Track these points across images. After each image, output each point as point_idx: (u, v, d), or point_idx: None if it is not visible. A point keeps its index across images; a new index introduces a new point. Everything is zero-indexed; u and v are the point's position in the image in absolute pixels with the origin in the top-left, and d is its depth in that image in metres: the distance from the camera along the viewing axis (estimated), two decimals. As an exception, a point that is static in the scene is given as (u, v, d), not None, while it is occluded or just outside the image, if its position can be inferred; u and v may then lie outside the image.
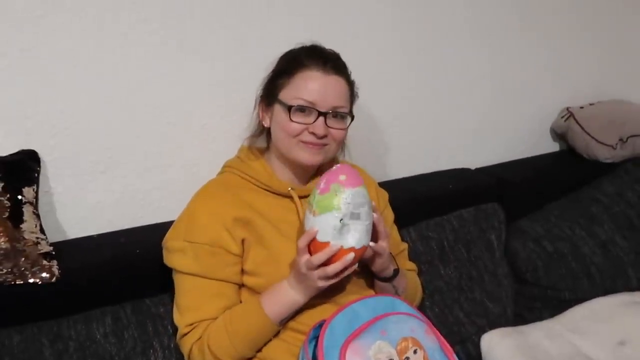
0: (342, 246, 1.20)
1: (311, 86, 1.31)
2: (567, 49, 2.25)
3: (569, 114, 2.23)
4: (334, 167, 1.25)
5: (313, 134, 1.31)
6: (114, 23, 1.42)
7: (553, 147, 2.36)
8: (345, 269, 1.22)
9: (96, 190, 1.50)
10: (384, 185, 1.60)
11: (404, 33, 1.86)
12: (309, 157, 1.34)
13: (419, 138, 2.00)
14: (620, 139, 2.15)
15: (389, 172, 1.91)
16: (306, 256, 1.21)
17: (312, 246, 1.22)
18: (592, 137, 2.16)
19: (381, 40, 1.83)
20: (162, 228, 1.43)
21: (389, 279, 1.36)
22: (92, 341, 1.32)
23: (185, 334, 1.28)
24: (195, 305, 1.28)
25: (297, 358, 1.27)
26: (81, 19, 1.39)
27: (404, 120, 1.95)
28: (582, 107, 2.25)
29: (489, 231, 1.85)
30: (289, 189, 1.38)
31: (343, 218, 1.19)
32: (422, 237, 1.76)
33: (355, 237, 1.21)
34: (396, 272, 1.36)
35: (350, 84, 1.39)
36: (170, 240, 1.32)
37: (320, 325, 1.24)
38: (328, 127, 1.32)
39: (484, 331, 1.72)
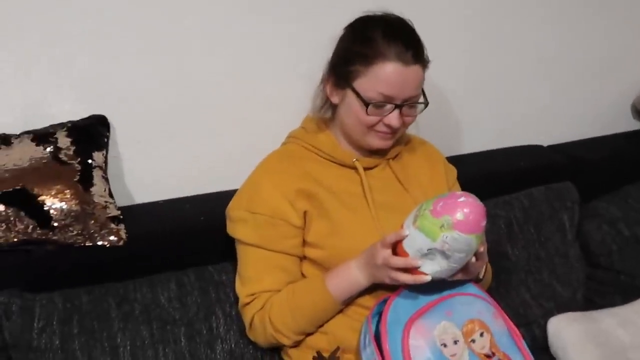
0: (419, 267, 1.17)
1: (391, 80, 1.26)
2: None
3: (652, 90, 2.14)
4: (460, 198, 1.15)
5: (388, 125, 1.30)
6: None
7: (633, 125, 2.27)
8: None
9: (162, 157, 1.53)
10: (453, 160, 1.58)
11: (478, 6, 1.82)
12: (380, 143, 1.34)
13: (490, 113, 1.97)
14: None
15: (458, 147, 1.89)
16: (388, 251, 1.19)
17: (395, 243, 1.20)
18: (677, 116, 2.07)
19: (454, 13, 1.79)
20: (225, 196, 1.45)
21: (480, 280, 1.35)
22: (156, 305, 1.36)
23: (247, 304, 1.30)
24: (256, 276, 1.30)
25: (359, 333, 1.27)
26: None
27: (475, 94, 1.92)
28: (667, 83, 2.15)
29: (561, 211, 1.81)
30: (354, 160, 1.38)
31: (432, 249, 1.14)
32: (490, 215, 1.62)
33: (433, 269, 1.17)
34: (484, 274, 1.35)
35: (425, 69, 1.34)
36: (232, 210, 1.34)
37: (384, 301, 1.24)
38: (403, 117, 1.31)
39: (552, 315, 1.70)
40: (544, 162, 1.91)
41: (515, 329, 1.27)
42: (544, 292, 1.74)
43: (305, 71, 1.53)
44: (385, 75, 1.26)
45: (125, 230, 1.36)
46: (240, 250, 1.33)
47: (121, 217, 1.38)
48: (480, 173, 1.78)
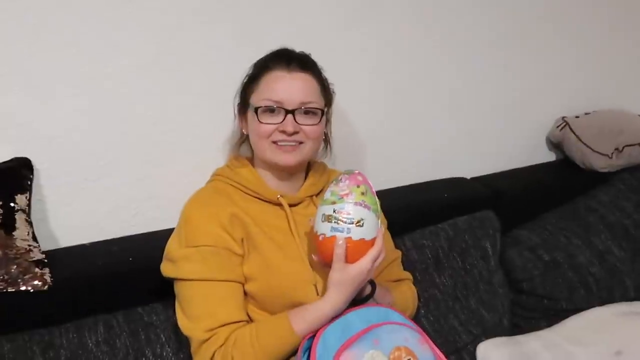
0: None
1: (276, 86, 1.33)
2: (562, 59, 2.25)
3: (564, 123, 2.22)
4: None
5: (283, 132, 1.33)
6: (106, 34, 1.43)
7: (549, 156, 2.35)
8: None
9: (89, 198, 1.50)
10: (379, 194, 1.55)
11: (398, 40, 1.87)
12: (284, 157, 1.35)
13: (414, 147, 2.00)
14: (616, 149, 2.14)
15: (383, 181, 1.89)
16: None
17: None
18: (588, 147, 2.15)
19: (373, 48, 1.83)
20: (154, 237, 1.44)
21: (365, 299, 1.34)
22: (84, 349, 1.31)
23: (206, 341, 1.24)
24: (210, 311, 1.26)
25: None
26: (74, 30, 1.40)
27: (398, 128, 1.95)
28: (577, 117, 2.25)
29: (484, 239, 1.85)
30: (278, 196, 1.39)
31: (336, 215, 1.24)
32: (416, 245, 1.75)
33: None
34: (373, 288, 1.35)
35: (321, 80, 1.39)
36: (173, 251, 1.31)
37: (313, 337, 1.23)
38: (298, 124, 1.33)
39: (480, 340, 1.72)
40: (467, 193, 1.95)
41: (441, 354, 1.29)
42: (471, 319, 1.76)
43: (230, 111, 1.53)
44: (269, 82, 1.33)
45: (50, 275, 1.32)
46: (186, 289, 1.29)
47: (46, 260, 1.34)
48: (407, 204, 1.81)
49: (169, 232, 1.37)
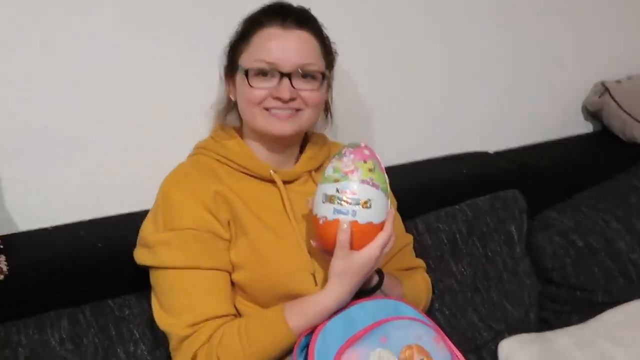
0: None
1: (270, 45, 1.32)
2: (601, 16, 2.24)
3: (603, 89, 2.22)
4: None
5: (278, 98, 1.32)
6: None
7: (585, 127, 2.36)
8: None
9: (52, 176, 1.49)
10: (389, 171, 1.55)
11: (417, 6, 1.86)
12: (278, 125, 1.34)
13: (428, 117, 2.00)
14: (663, 118, 2.15)
15: (395, 157, 1.90)
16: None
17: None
18: (631, 115, 2.16)
19: (390, 13, 1.82)
20: (127, 220, 1.43)
21: (372, 291, 1.34)
22: (45, 347, 1.31)
23: (187, 337, 1.24)
24: (192, 304, 1.26)
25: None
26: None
27: (410, 95, 1.94)
28: (618, 81, 2.25)
29: (509, 222, 1.85)
30: (271, 171, 1.38)
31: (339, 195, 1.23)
32: (431, 229, 1.75)
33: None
34: (381, 278, 1.35)
35: (322, 38, 1.38)
36: (149, 235, 1.31)
37: (311, 333, 1.23)
38: (295, 89, 1.32)
39: (503, 337, 1.73)
40: (489, 170, 1.96)
41: (459, 354, 1.28)
42: (493, 313, 1.77)
43: (212, 79, 1.54)
44: (262, 40, 1.32)
45: (6, 263, 1.31)
46: (164, 278, 1.28)
47: (1, 247, 1.34)
48: (419, 184, 1.81)
49: (145, 214, 1.36)
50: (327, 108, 1.49)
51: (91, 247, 1.43)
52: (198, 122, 1.58)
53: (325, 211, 1.22)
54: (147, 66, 1.52)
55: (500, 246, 1.83)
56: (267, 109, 1.34)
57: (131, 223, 1.38)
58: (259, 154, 1.41)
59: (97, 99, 1.49)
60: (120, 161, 1.55)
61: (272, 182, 1.39)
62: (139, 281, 1.36)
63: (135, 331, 1.39)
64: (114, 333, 1.38)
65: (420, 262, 1.58)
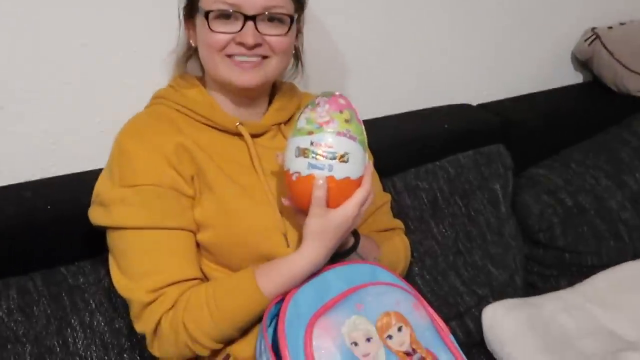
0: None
1: None
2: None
3: (594, 35, 2.22)
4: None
5: (241, 44, 1.30)
6: None
7: (574, 77, 2.37)
8: None
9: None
10: (364, 125, 1.56)
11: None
12: (241, 76, 1.32)
13: (407, 65, 1.99)
14: (658, 67, 2.16)
15: (371, 110, 1.87)
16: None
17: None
18: (623, 65, 2.16)
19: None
20: (79, 180, 1.43)
21: (347, 253, 1.34)
22: (-8, 319, 1.31)
23: (150, 303, 1.24)
24: (154, 267, 1.25)
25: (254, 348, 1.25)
26: None
27: (391, 45, 1.94)
28: (610, 28, 2.25)
29: (493, 180, 1.86)
30: (237, 124, 1.37)
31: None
32: (409, 187, 1.76)
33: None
34: (356, 240, 1.35)
35: None
36: (104, 192, 1.29)
37: (282, 300, 1.23)
38: (261, 34, 1.30)
39: (487, 303, 1.74)
40: (472, 124, 1.96)
41: (440, 321, 1.29)
42: (476, 277, 1.78)
43: (174, 18, 1.50)
44: None
45: (-55, 227, 1.30)
46: (123, 240, 1.27)
47: (-62, 210, 1.32)
48: (397, 139, 1.81)
49: (97, 173, 1.35)
50: (297, 55, 1.47)
51: (39, 209, 1.41)
52: (155, 71, 1.56)
53: (298, 166, 1.21)
54: (93, 7, 1.49)
55: (484, 205, 1.84)
56: (229, 56, 1.32)
57: (82, 184, 1.37)
58: (223, 107, 1.39)
59: (40, 48, 1.46)
60: (68, 115, 1.53)
61: (238, 135, 1.37)
62: (95, 246, 1.35)
63: (91, 301, 1.38)
64: (67, 303, 1.37)
65: (399, 223, 1.58)
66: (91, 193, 1.33)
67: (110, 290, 1.30)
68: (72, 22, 1.48)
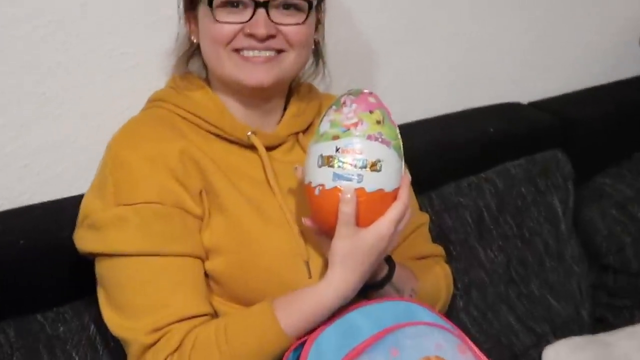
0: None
1: None
2: None
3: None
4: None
5: (251, 35, 1.29)
6: None
7: (641, 69, 2.38)
8: None
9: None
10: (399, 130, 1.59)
11: None
12: (252, 73, 1.32)
13: (445, 60, 2.00)
14: None
15: (405, 112, 1.86)
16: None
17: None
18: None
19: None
20: (56, 208, 1.43)
21: (381, 283, 1.33)
22: (-45, 377, 1.32)
23: (152, 345, 1.23)
24: (156, 301, 1.24)
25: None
26: None
27: (427, 38, 1.95)
28: (685, 7, 2.23)
29: (550, 193, 1.86)
30: (249, 133, 1.37)
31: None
32: (450, 205, 1.76)
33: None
34: (391, 268, 1.34)
35: None
36: (97, 211, 1.28)
37: (303, 345, 1.22)
38: (275, 23, 1.30)
39: (547, 343, 1.73)
40: (523, 126, 1.96)
41: (491, 365, 1.29)
42: (534, 311, 1.78)
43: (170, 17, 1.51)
44: None
45: None
46: (118, 269, 1.26)
47: None
48: (434, 146, 1.82)
49: (78, 200, 1.34)
50: (317, 51, 1.48)
51: (9, 245, 1.39)
52: (148, 76, 1.56)
53: (321, 177, 1.20)
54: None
55: (541, 224, 1.84)
56: (237, 51, 1.32)
57: (60, 213, 1.38)
58: (231, 111, 1.40)
59: (5, 47, 1.46)
60: (42, 131, 1.52)
61: (251, 147, 1.38)
62: (77, 286, 1.35)
63: (74, 354, 1.37)
64: (46, 357, 1.35)
65: (439, 249, 1.57)
66: (71, 223, 1.32)
67: (95, 341, 1.29)
68: (45, 16, 1.47)
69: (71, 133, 1.54)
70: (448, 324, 1.30)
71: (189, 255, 1.27)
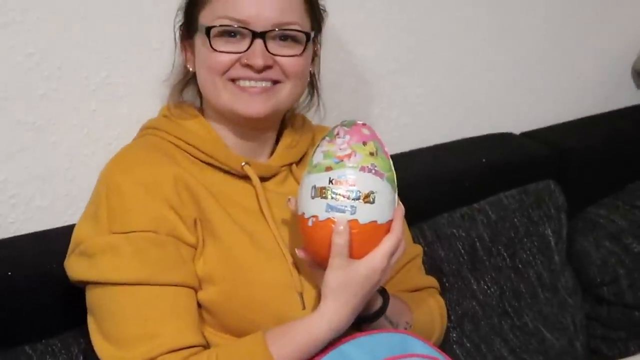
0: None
1: None
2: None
3: (657, 48, 2.22)
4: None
5: (248, 66, 1.30)
6: None
7: (634, 98, 2.36)
8: None
9: None
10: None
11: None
12: (248, 103, 1.33)
13: (439, 91, 2.00)
14: None
15: (397, 141, 1.87)
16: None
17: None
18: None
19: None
20: (47, 239, 1.42)
21: (374, 316, 1.33)
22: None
23: None
24: (148, 331, 1.23)
25: None
26: None
27: (421, 69, 1.96)
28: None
29: (543, 224, 1.86)
30: (243, 164, 1.37)
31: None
32: (442, 236, 1.76)
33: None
34: (385, 300, 1.34)
35: None
36: (86, 240, 1.28)
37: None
38: (272, 54, 1.31)
39: None
40: (516, 156, 1.96)
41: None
42: (527, 344, 1.77)
43: (165, 42, 1.52)
44: None
45: None
46: (110, 297, 1.26)
47: None
48: (427, 177, 1.82)
49: (68, 231, 1.33)
50: (313, 83, 1.49)
51: (-2, 278, 1.41)
52: (141, 105, 1.56)
53: (315, 209, 1.21)
54: (74, 20, 1.49)
55: (534, 255, 1.84)
56: (233, 81, 1.33)
57: (49, 243, 1.39)
58: (225, 141, 1.40)
59: (6, 77, 1.46)
60: (31, 161, 1.52)
61: (244, 177, 1.38)
62: (65, 318, 1.35)
63: (64, 390, 1.37)
64: (34, 393, 1.36)
65: (432, 281, 1.57)
66: (60, 254, 1.31)
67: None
68: (36, 44, 1.48)
69: (61, 163, 1.54)
70: (443, 357, 1.29)
71: (183, 285, 1.27)
